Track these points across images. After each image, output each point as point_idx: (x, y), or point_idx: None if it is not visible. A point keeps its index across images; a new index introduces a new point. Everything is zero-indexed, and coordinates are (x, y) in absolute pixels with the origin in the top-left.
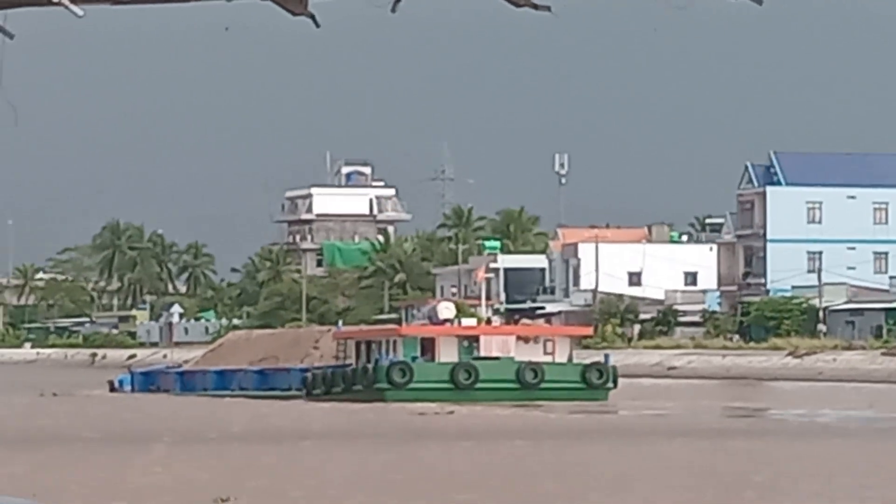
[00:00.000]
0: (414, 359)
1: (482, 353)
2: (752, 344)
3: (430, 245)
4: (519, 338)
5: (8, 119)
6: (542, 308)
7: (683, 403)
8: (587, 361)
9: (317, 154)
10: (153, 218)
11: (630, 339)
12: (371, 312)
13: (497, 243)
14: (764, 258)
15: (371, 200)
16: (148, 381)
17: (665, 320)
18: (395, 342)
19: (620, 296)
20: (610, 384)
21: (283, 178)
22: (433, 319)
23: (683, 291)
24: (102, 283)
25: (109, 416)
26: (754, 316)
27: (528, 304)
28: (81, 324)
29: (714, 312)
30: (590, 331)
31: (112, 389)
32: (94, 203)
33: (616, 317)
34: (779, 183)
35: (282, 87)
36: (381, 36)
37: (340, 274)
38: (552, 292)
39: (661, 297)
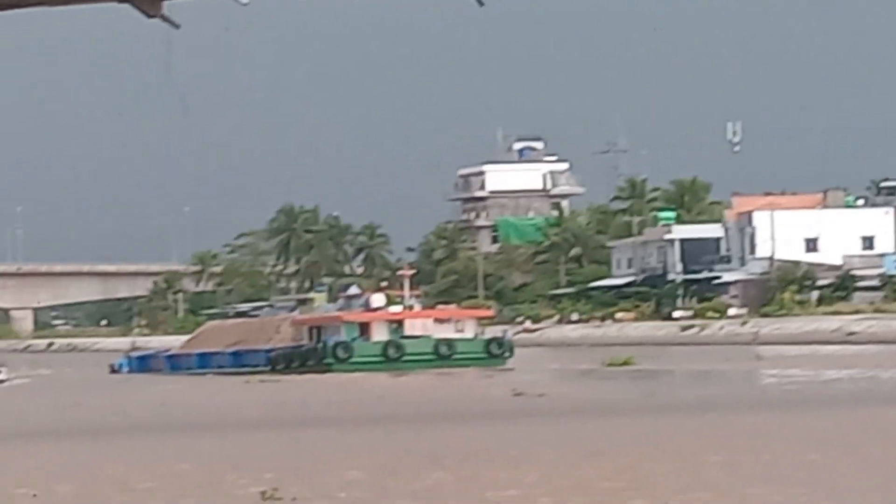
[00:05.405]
0: (354, 339)
1: (407, 333)
2: None
3: (604, 218)
4: (436, 320)
5: (179, 110)
6: (719, 277)
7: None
8: (488, 337)
9: (489, 131)
10: (328, 200)
11: (807, 305)
12: (548, 287)
13: (672, 214)
14: None
15: (544, 175)
16: (143, 364)
17: (843, 286)
18: (339, 326)
19: (797, 262)
20: (507, 353)
21: (456, 157)
22: (368, 307)
23: (861, 256)
24: (279, 267)
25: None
26: None
27: (705, 274)
28: (260, 308)
29: (893, 276)
30: (491, 312)
31: (112, 371)
32: (269, 187)
33: (793, 284)
34: None
35: (453, 66)
36: (548, 9)
37: (515, 250)
38: (728, 261)
39: (838, 262)
